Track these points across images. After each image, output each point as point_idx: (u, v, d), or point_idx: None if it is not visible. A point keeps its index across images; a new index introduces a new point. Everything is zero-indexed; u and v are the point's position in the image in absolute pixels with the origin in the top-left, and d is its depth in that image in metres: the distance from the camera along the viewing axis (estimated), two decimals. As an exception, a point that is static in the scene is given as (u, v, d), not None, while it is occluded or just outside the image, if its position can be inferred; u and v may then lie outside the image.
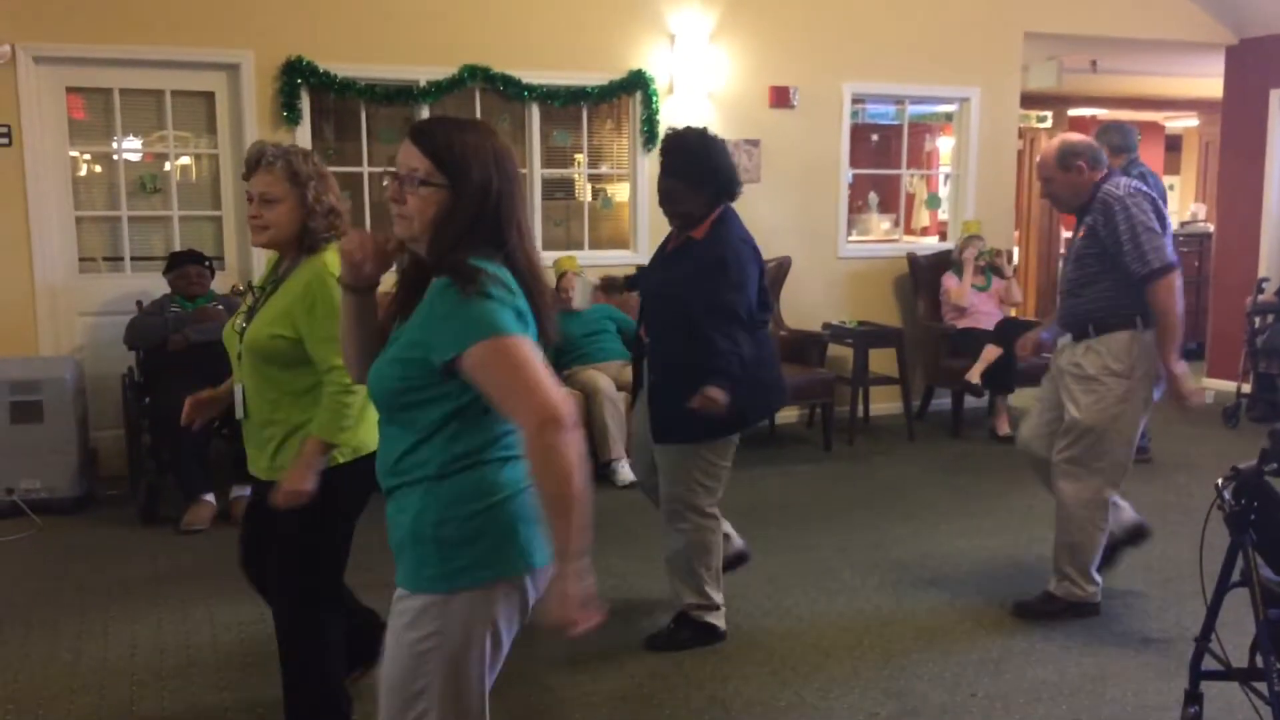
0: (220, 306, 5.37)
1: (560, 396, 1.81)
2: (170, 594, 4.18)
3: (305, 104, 5.94)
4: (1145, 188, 3.84)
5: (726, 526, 3.88)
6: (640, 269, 4.12)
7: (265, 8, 5.84)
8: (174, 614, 3.99)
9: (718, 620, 3.74)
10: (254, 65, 5.83)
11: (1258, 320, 7.22)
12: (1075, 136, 4.01)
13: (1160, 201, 3.94)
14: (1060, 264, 3.98)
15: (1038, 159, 4.01)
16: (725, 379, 3.39)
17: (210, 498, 5.03)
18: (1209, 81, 8.66)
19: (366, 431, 2.70)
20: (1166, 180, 11.54)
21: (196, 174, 6.12)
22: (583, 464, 1.80)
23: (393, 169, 1.92)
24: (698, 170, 3.54)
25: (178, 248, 5.75)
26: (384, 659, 1.94)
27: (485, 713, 1.95)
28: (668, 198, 3.60)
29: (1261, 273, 7.84)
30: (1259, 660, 2.58)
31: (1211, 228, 9.27)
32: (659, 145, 3.77)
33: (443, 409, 1.88)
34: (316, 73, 5.88)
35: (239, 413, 2.85)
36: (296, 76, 5.85)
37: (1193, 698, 2.83)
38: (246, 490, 5.07)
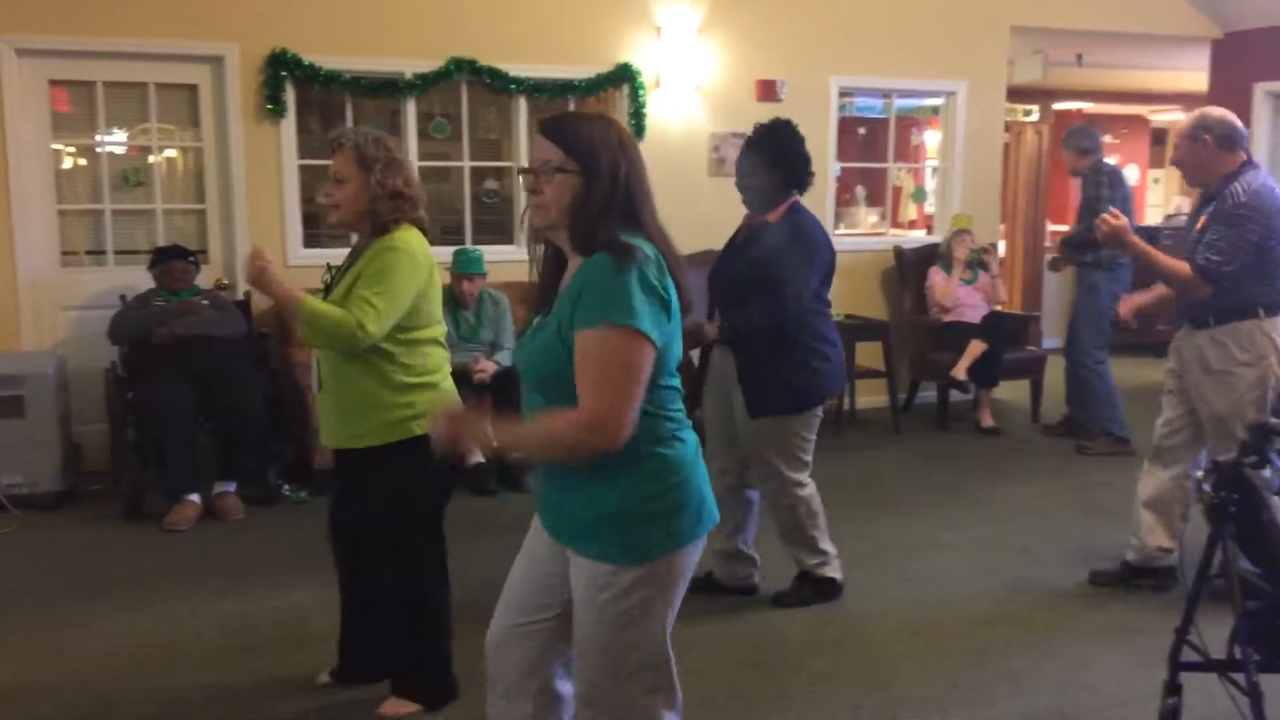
0: (205, 301, 5.36)
1: (632, 416, 1.94)
2: (153, 591, 4.17)
3: (290, 97, 5.91)
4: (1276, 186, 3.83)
5: (756, 558, 4.12)
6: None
7: (250, 0, 5.81)
8: (156, 611, 3.97)
9: (835, 572, 4.04)
10: (238, 58, 5.81)
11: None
12: (1216, 111, 3.92)
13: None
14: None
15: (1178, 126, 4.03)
16: (745, 325, 3.73)
17: (195, 497, 5.00)
18: (1194, 75, 8.69)
19: (440, 399, 2.89)
20: (1151, 174, 11.61)
21: (181, 167, 6.10)
22: (568, 458, 1.99)
23: (529, 166, 2.07)
24: (775, 150, 3.83)
25: (161, 242, 5.73)
26: (588, 627, 2.08)
27: (669, 654, 2.15)
28: (743, 172, 3.90)
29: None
30: (1237, 651, 2.60)
31: (1196, 221, 9.29)
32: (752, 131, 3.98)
33: None
34: (301, 65, 5.85)
35: (314, 386, 3.04)
36: (281, 69, 5.83)
37: (1172, 688, 2.84)
38: (231, 486, 5.09)
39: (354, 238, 3.28)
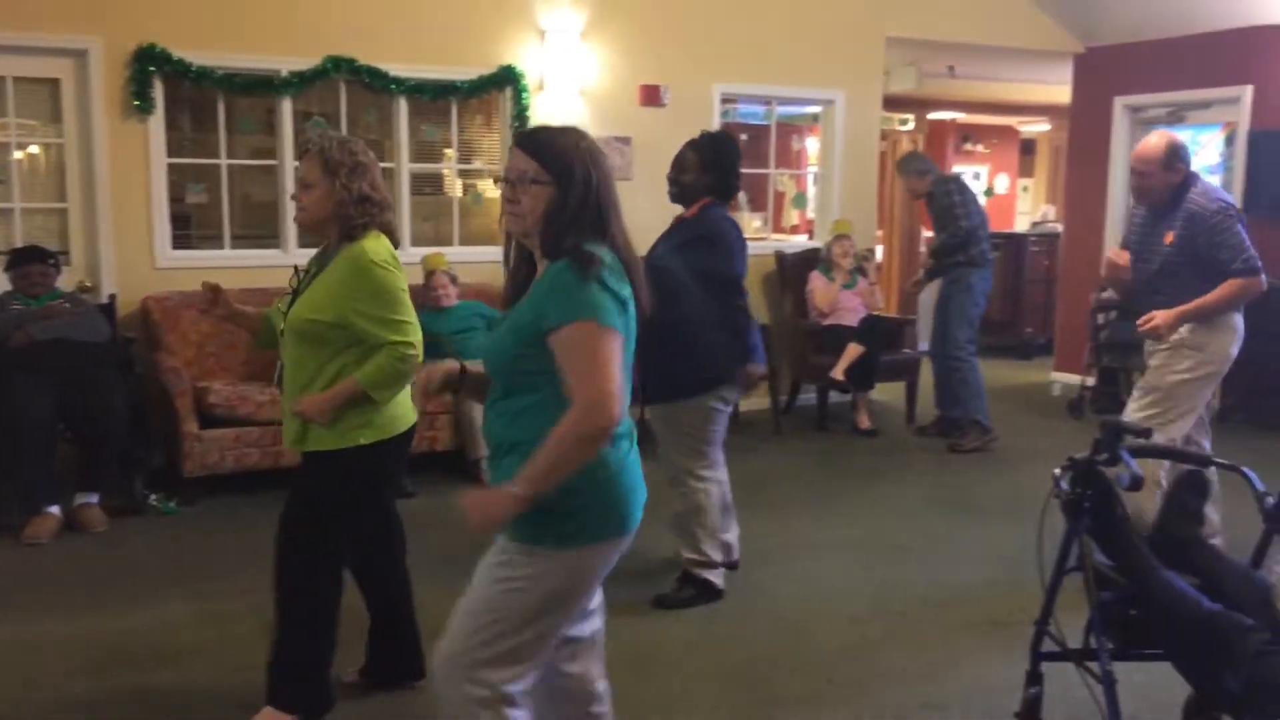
0: (67, 304, 5.14)
1: (621, 397, 2.07)
2: (9, 607, 3.97)
3: (159, 93, 5.71)
4: (1229, 199, 4.18)
5: (732, 536, 4.21)
6: None
7: (115, -8, 5.60)
8: (13, 628, 3.78)
9: (716, 578, 4.07)
10: (103, 51, 5.58)
11: (1101, 317, 7.59)
12: (1173, 138, 4.24)
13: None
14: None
15: (1138, 152, 4.27)
16: (750, 349, 4.02)
17: (55, 509, 4.77)
18: (1059, 88, 9.07)
19: (390, 417, 2.94)
20: (1020, 182, 12.05)
21: (42, 164, 5.83)
22: (586, 462, 2.07)
23: (505, 175, 2.19)
24: (711, 152, 4.01)
25: (20, 242, 5.47)
26: (472, 590, 2.20)
27: (547, 652, 2.23)
28: (677, 164, 4.06)
29: (1104, 272, 8.23)
30: (1093, 641, 2.71)
31: (1061, 228, 9.69)
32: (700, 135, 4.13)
33: (554, 384, 2.09)
34: (170, 60, 5.66)
35: (279, 385, 3.06)
36: (149, 64, 5.63)
37: (1033, 678, 2.95)
38: (93, 497, 4.89)
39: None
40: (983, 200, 11.30)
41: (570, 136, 2.20)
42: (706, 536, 4.04)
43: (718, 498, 4.08)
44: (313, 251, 3.12)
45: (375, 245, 2.92)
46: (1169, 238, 4.15)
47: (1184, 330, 4.15)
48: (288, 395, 2.98)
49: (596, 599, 2.41)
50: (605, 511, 2.16)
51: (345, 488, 2.97)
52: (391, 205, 3.07)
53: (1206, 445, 4.37)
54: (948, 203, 6.56)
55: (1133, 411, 4.24)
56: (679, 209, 4.13)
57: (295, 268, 3.12)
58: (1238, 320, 4.21)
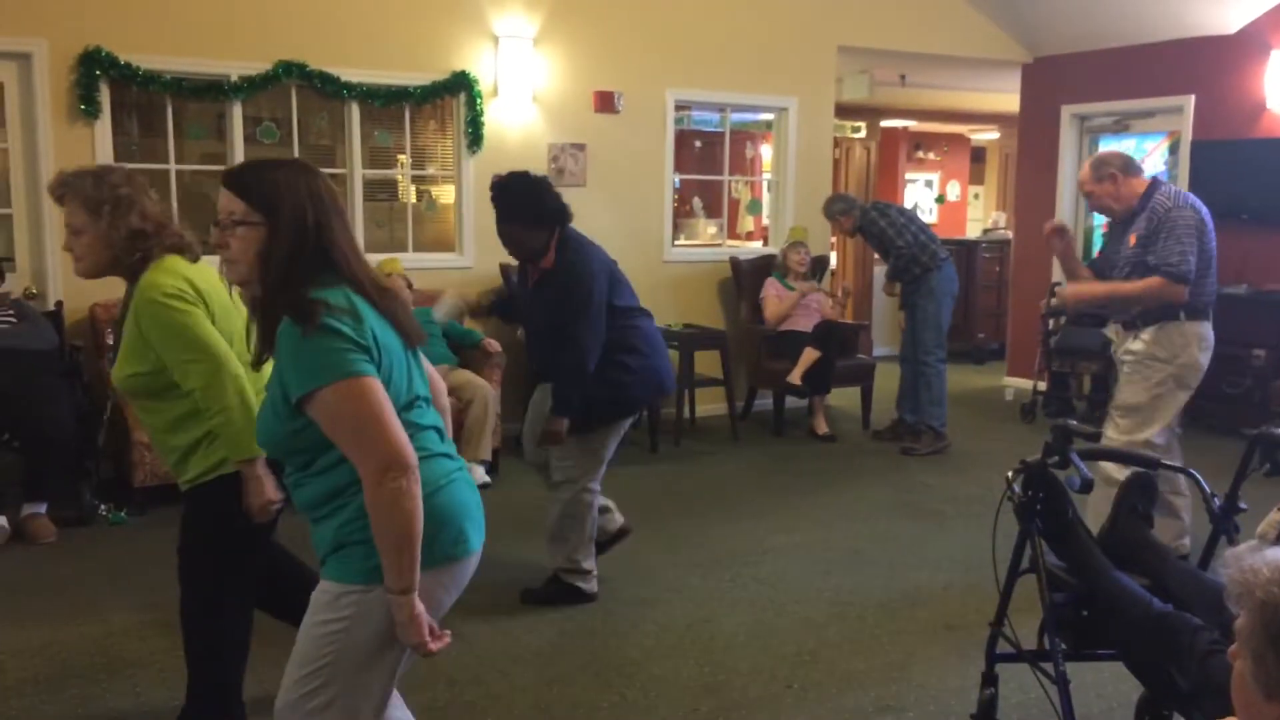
0: (10, 311, 5.03)
1: (403, 441, 1.89)
2: (-48, 620, 3.88)
3: (105, 97, 5.62)
4: (1195, 200, 4.20)
5: (609, 503, 4.30)
6: (503, 297, 4.36)
7: (60, -6, 5.51)
8: (-44, 642, 3.70)
9: (586, 584, 4.12)
10: (48, 55, 5.48)
11: (1051, 322, 7.70)
12: (1105, 152, 4.38)
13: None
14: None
15: (1080, 176, 4.39)
16: (562, 406, 3.90)
17: (2, 520, 4.68)
18: (1008, 97, 9.20)
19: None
20: (971, 189, 12.20)
21: (-16, 169, 5.72)
22: (419, 505, 1.90)
23: (217, 220, 2.00)
24: (533, 212, 3.85)
25: (-38, 248, 5.36)
26: (298, 638, 2.03)
27: (385, 696, 2.06)
28: (512, 242, 3.92)
29: (1054, 278, 8.36)
30: (1047, 642, 2.75)
31: (1011, 235, 9.83)
32: (490, 193, 3.95)
33: (334, 446, 1.93)
34: (117, 64, 5.57)
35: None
36: (95, 68, 5.53)
37: (988, 679, 2.99)
38: (41, 507, 4.79)
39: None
40: (934, 207, 11.54)
41: (282, 170, 2.00)
42: (581, 546, 4.08)
43: (594, 512, 4.12)
44: None
45: (158, 279, 2.61)
46: (1132, 239, 4.21)
47: (1148, 340, 4.17)
48: (157, 441, 2.78)
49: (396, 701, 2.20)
50: (438, 532, 1.97)
51: (224, 518, 2.72)
52: (169, 222, 2.74)
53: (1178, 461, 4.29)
54: (877, 230, 6.70)
55: (1112, 434, 4.23)
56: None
57: (115, 323, 2.88)
58: (1206, 329, 4.23)
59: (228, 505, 2.69)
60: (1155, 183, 4.26)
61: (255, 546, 2.86)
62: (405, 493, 1.87)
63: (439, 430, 2.11)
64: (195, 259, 2.76)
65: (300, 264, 1.94)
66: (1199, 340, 4.21)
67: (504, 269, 6.35)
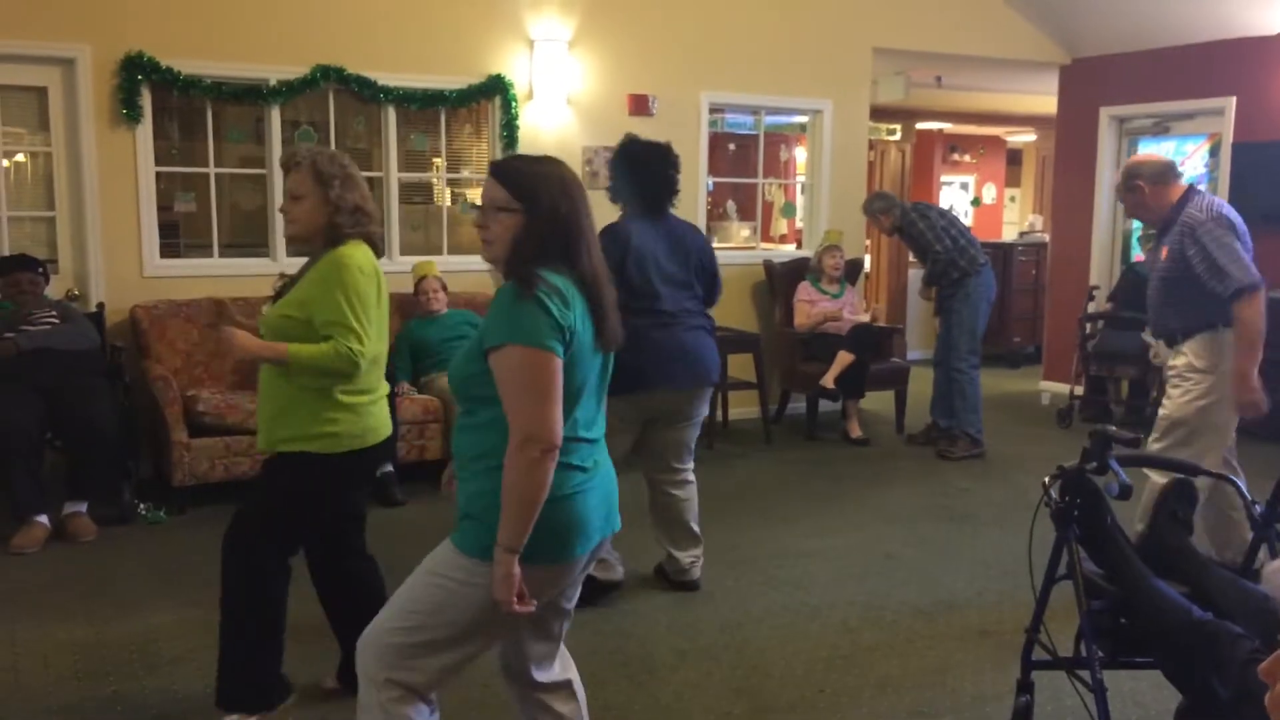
0: (54, 313, 5.11)
1: (557, 420, 2.07)
2: (-4, 616, 3.95)
3: (146, 101, 5.70)
4: (1227, 209, 4.04)
5: (612, 554, 4.19)
6: None
7: (103, 1, 5.58)
8: (1, 638, 3.76)
9: (611, 574, 4.12)
10: (91, 60, 5.57)
11: (1089, 326, 7.62)
12: (1139, 157, 4.30)
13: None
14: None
15: (1116, 184, 4.38)
16: None
17: (43, 518, 4.75)
18: (1045, 98, 9.12)
19: (364, 429, 2.98)
20: (1008, 192, 12.11)
21: (30, 173, 5.81)
22: (548, 479, 2.07)
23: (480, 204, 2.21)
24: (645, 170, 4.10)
25: (7, 250, 5.45)
26: (407, 581, 2.24)
27: (456, 667, 2.23)
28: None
29: (1092, 281, 8.28)
30: (1083, 649, 2.72)
31: (1048, 238, 9.74)
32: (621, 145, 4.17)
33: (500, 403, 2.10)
34: (159, 69, 5.65)
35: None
36: (137, 73, 5.61)
37: (1024, 686, 2.96)
38: (82, 506, 4.87)
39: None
40: (970, 210, 11.45)
41: (543, 165, 2.23)
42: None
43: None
44: (302, 260, 3.12)
45: (356, 251, 2.96)
46: (1165, 252, 4.13)
47: (1188, 352, 4.08)
48: (262, 397, 3.00)
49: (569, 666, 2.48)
50: (544, 536, 2.11)
51: (302, 491, 2.99)
52: (380, 219, 3.10)
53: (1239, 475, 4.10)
54: (916, 231, 6.65)
55: (1154, 445, 4.14)
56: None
57: (281, 274, 3.15)
58: None
59: (316, 481, 2.96)
60: (1190, 191, 4.14)
61: (334, 524, 3.13)
62: (539, 465, 2.04)
63: (589, 443, 2.23)
64: (380, 255, 3.06)
65: (544, 248, 2.14)
66: None
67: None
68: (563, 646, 2.49)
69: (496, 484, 2.08)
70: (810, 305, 7.11)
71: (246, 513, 3.04)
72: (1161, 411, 4.16)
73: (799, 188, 8.29)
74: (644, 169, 4.12)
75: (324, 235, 2.97)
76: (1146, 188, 4.12)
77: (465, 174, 6.82)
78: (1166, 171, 4.18)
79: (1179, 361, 4.12)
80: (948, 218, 6.77)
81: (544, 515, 2.09)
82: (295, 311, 2.91)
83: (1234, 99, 7.42)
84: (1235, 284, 3.90)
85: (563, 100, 6.68)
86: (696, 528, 4.33)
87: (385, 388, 3.11)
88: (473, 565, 2.14)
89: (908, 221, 6.68)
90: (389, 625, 2.21)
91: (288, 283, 3.04)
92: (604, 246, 3.84)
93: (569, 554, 2.19)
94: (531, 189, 2.16)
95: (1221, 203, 4.12)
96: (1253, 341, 3.94)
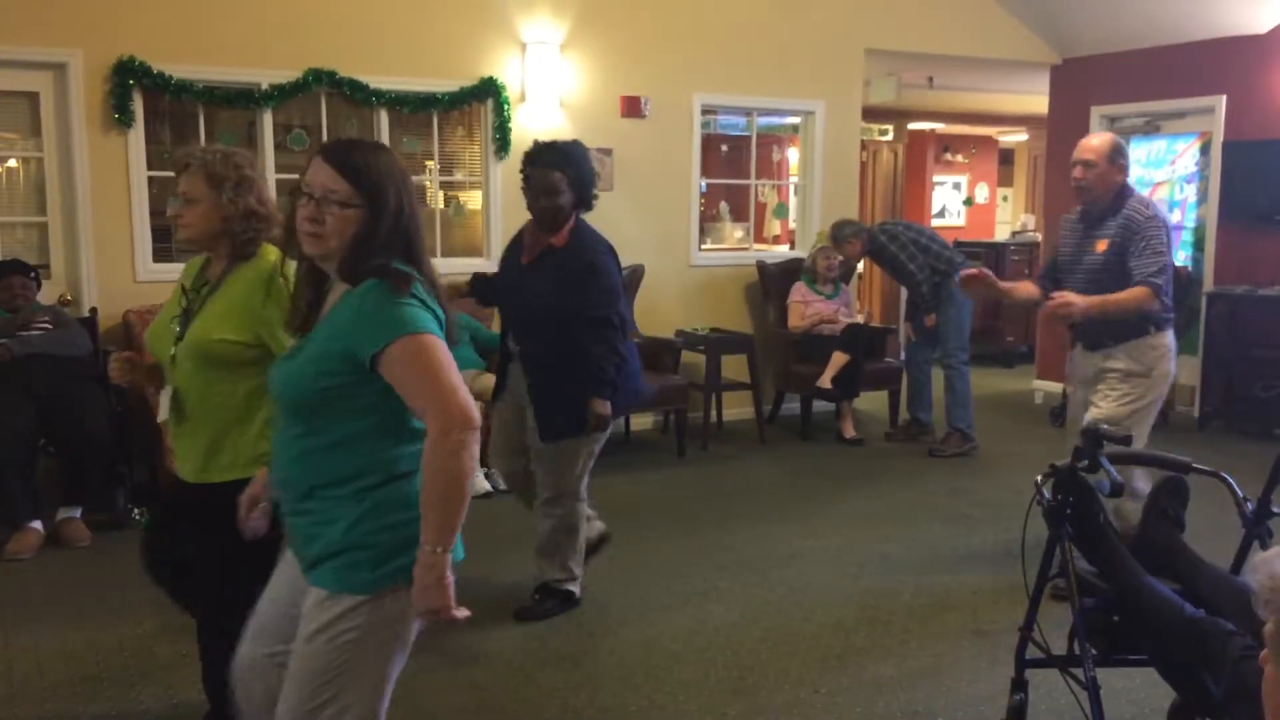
0: (46, 318, 5.11)
1: (471, 402, 1.95)
2: (-9, 622, 3.94)
3: (138, 106, 5.69)
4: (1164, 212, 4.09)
5: (590, 510, 4.17)
6: (482, 278, 4.21)
7: (94, 5, 5.58)
8: (-6, 643, 3.76)
9: (575, 588, 4.06)
10: (82, 65, 5.56)
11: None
12: (1114, 137, 4.21)
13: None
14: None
15: (1084, 144, 4.16)
16: (607, 388, 3.79)
17: (37, 524, 4.73)
18: (1037, 98, 9.14)
19: None
20: (1000, 192, 12.15)
21: (21, 178, 5.80)
22: (474, 466, 1.95)
23: (306, 189, 2.01)
24: (577, 170, 3.79)
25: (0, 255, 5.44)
26: (297, 653, 2.03)
27: (384, 706, 2.06)
28: (549, 193, 3.77)
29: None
30: (1076, 647, 2.73)
31: (1040, 237, 9.77)
32: (538, 147, 3.90)
33: (365, 417, 1.99)
34: (150, 74, 5.64)
35: (164, 415, 2.85)
36: (128, 77, 5.61)
37: (1018, 685, 2.97)
38: (76, 511, 4.86)
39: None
40: (962, 210, 11.49)
41: (385, 156, 2.06)
42: (576, 554, 4.04)
43: (583, 521, 4.08)
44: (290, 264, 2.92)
45: (276, 259, 2.76)
46: (1102, 245, 4.09)
47: (1123, 355, 4.07)
48: (193, 425, 2.75)
49: None
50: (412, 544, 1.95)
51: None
52: (279, 220, 2.78)
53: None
54: (889, 255, 6.71)
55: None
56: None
57: (181, 286, 2.90)
58: (1172, 339, 4.15)
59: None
60: (1127, 188, 4.13)
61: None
62: (465, 447, 1.92)
63: None
64: (293, 258, 2.73)
65: (390, 247, 2.01)
66: (1169, 351, 4.14)
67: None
68: None
69: (377, 504, 1.97)
70: (805, 306, 7.12)
71: (211, 600, 2.80)
72: (1096, 413, 4.07)
73: (792, 189, 8.31)
74: (591, 165, 3.93)
75: (223, 242, 2.78)
76: (1108, 166, 4.07)
77: (458, 176, 6.82)
78: (1123, 152, 4.15)
79: (1118, 365, 4.08)
80: (914, 229, 6.84)
81: (414, 527, 1.95)
82: (234, 334, 2.68)
83: (1224, 98, 7.45)
84: (1156, 284, 3.93)
85: (555, 102, 6.68)
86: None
87: None
88: (371, 603, 1.97)
89: (877, 246, 6.77)
90: (306, 709, 1.99)
91: (194, 298, 2.79)
92: (611, 263, 3.86)
93: (457, 555, 2.02)
94: (379, 185, 2.00)
95: (1156, 204, 4.14)
96: (1126, 307, 3.97)
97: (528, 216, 3.95)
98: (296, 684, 2.01)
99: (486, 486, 5.50)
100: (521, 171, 3.91)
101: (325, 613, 1.98)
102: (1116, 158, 4.10)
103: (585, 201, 3.86)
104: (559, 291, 3.76)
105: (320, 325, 2.04)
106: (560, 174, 3.77)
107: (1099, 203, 4.12)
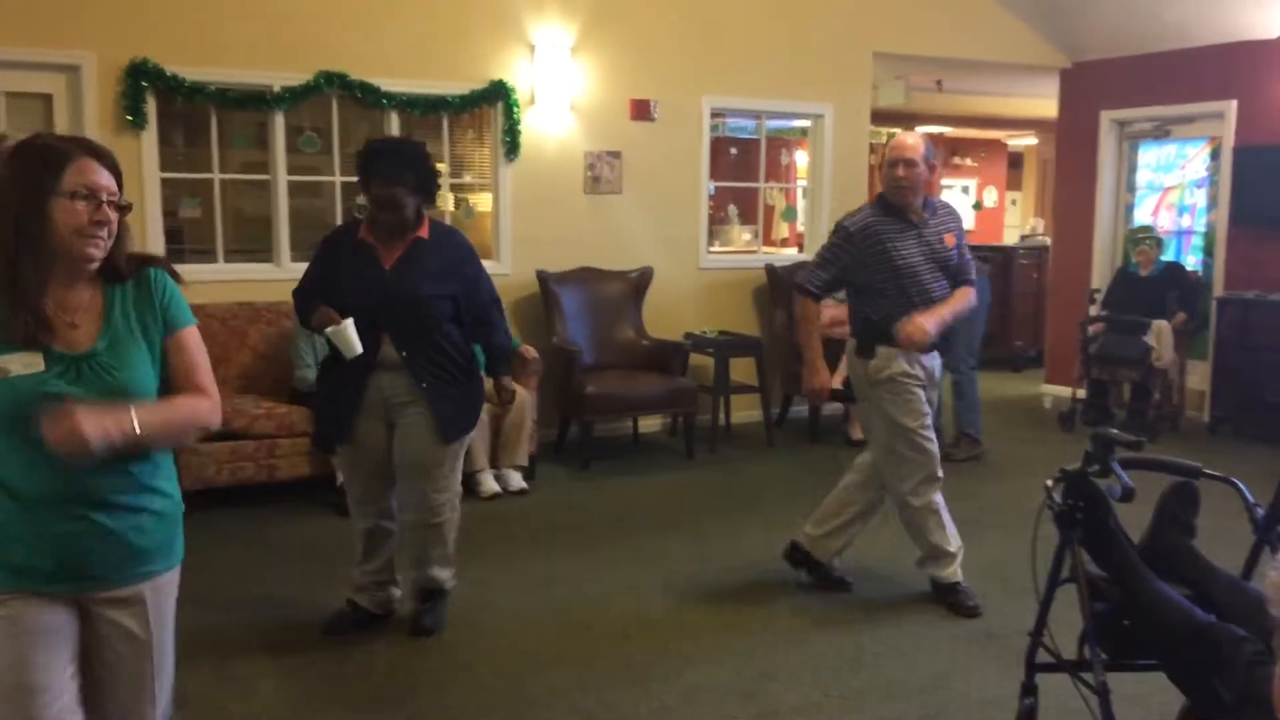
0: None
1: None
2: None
3: (151, 108, 5.72)
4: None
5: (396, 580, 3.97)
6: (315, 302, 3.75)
7: (108, 7, 5.62)
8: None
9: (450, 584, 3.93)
10: (95, 67, 5.60)
11: (1090, 329, 7.64)
12: (923, 138, 4.26)
13: None
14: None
15: (902, 142, 4.14)
16: (509, 365, 3.96)
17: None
18: (1046, 102, 9.14)
19: None
20: (1009, 195, 12.14)
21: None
22: (183, 442, 2.19)
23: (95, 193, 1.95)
24: (416, 173, 3.67)
25: (12, 256, 5.46)
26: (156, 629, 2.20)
27: None
28: (394, 207, 3.64)
29: (1093, 285, 8.29)
30: (1087, 652, 2.73)
31: (1049, 241, 9.76)
32: (371, 150, 3.77)
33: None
34: (163, 76, 5.68)
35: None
36: (141, 79, 5.64)
37: (1028, 689, 2.97)
38: None
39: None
40: (972, 214, 11.47)
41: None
42: (451, 557, 3.90)
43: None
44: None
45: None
46: (949, 239, 4.13)
47: (903, 361, 4.13)
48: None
49: None
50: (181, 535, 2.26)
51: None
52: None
53: None
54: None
55: (893, 480, 4.24)
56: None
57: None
58: None
59: None
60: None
61: None
62: (204, 429, 2.15)
63: None
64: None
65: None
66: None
67: (540, 275, 6.38)
68: None
69: (174, 489, 2.16)
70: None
71: None
72: (882, 440, 4.21)
73: (800, 192, 8.31)
74: (434, 168, 3.86)
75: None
76: (924, 166, 4.07)
77: (468, 179, 6.84)
78: (934, 154, 4.20)
79: (923, 369, 4.21)
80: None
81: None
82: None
83: (1235, 102, 7.44)
84: (972, 274, 4.19)
85: (565, 105, 6.70)
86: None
87: None
88: (174, 575, 2.22)
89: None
90: (165, 702, 2.23)
91: None
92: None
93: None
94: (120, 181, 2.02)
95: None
96: (962, 313, 4.20)
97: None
98: (157, 690, 2.24)
99: (495, 488, 5.50)
100: (358, 174, 3.75)
101: (173, 585, 2.28)
102: (930, 157, 4.15)
103: (430, 197, 3.80)
104: (444, 278, 3.70)
105: (116, 328, 2.01)
106: (400, 186, 3.61)
107: (915, 200, 4.12)
